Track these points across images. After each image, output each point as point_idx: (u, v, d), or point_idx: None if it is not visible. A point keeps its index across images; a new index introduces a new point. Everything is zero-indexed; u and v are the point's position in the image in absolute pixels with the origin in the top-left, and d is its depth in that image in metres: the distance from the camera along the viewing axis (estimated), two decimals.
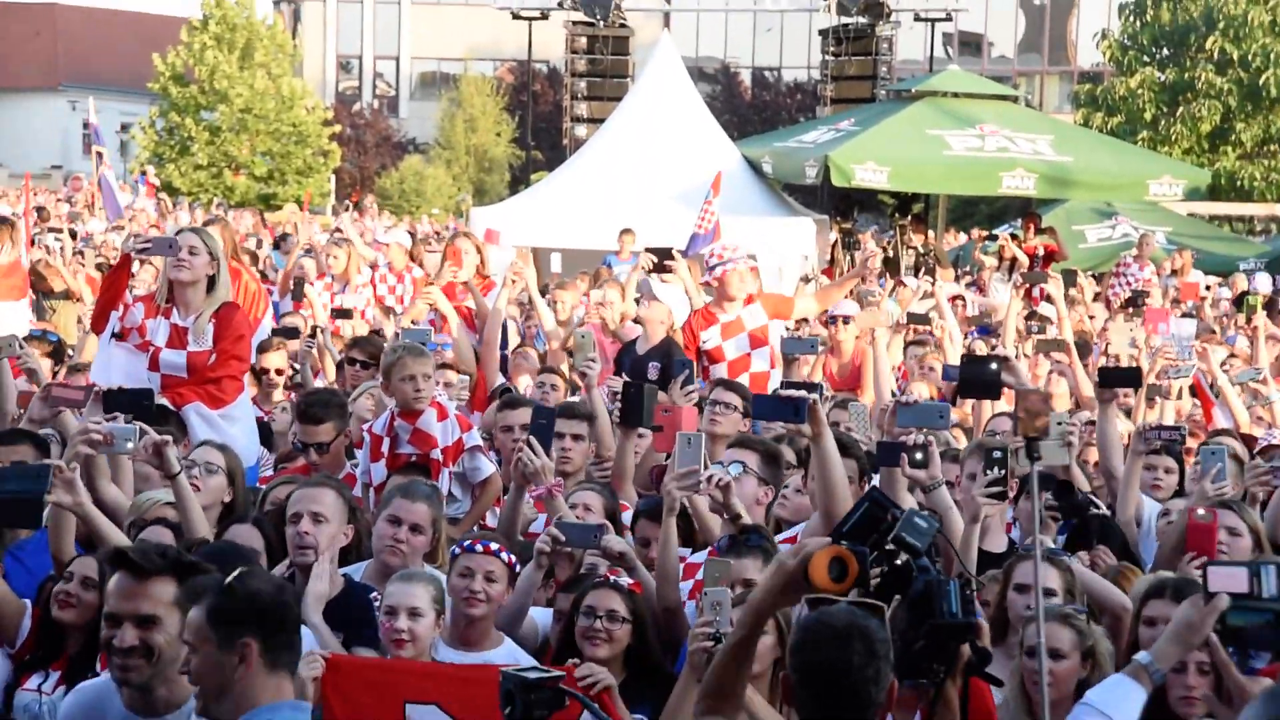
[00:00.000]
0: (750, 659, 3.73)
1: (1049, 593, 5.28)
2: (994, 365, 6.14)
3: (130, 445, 5.65)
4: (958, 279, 20.43)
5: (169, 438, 5.71)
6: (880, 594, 3.42)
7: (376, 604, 5.26)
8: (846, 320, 10.29)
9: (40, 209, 24.02)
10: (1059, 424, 6.34)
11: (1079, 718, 4.42)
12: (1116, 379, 7.32)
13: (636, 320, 10.25)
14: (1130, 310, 14.49)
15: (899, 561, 3.46)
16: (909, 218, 21.93)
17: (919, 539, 3.37)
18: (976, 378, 6.47)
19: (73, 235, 20.57)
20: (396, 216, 35.53)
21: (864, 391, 9.69)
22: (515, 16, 29.63)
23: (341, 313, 11.19)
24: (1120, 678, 4.42)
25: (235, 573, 3.75)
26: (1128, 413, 8.84)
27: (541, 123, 45.45)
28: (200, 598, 3.71)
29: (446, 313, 9.81)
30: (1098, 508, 6.44)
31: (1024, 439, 4.52)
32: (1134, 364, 9.35)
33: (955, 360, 9.99)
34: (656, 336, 9.71)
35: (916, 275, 18.70)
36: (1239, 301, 17.05)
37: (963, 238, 32.29)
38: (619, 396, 6.95)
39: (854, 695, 3.44)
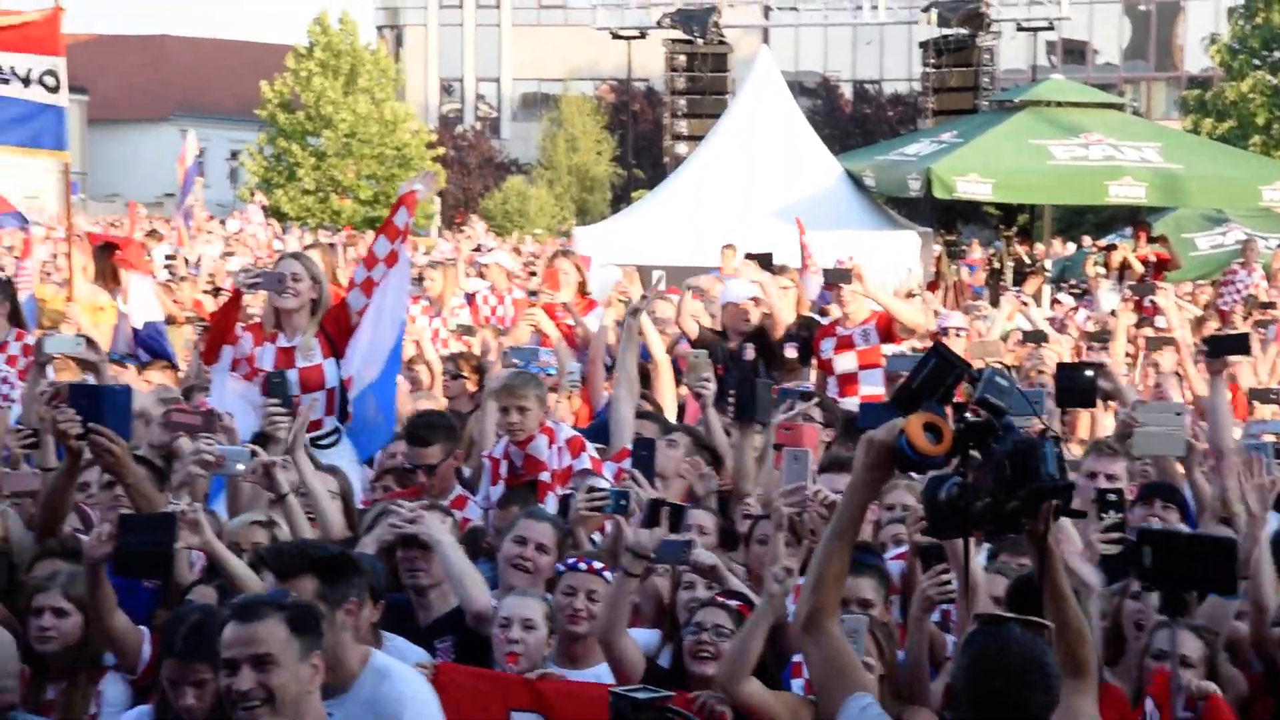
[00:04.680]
0: (852, 543, 3.73)
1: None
2: (1089, 372, 5.98)
3: (241, 466, 5.75)
4: (1060, 288, 20.16)
5: (278, 460, 5.79)
6: (955, 450, 3.41)
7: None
8: (958, 332, 10.20)
9: (153, 231, 24.53)
10: (1177, 414, 6.17)
11: None
12: (1226, 346, 7.05)
13: (721, 332, 10.30)
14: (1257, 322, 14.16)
15: (970, 417, 3.45)
16: (1014, 229, 21.69)
17: (1003, 399, 3.36)
18: (1072, 385, 6.33)
19: (185, 261, 20.91)
20: (500, 237, 35.79)
21: None
22: (614, 36, 29.77)
23: (466, 329, 11.35)
24: None
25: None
26: None
27: (642, 141, 45.61)
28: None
29: (550, 334, 9.87)
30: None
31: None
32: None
33: None
34: (746, 327, 9.94)
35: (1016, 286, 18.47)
36: None
37: (1070, 247, 31.88)
38: (731, 394, 6.98)
39: None
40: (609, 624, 5.20)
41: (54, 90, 10.45)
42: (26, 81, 10.33)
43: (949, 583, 4.96)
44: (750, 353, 9.72)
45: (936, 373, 3.41)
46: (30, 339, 8.59)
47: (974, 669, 3.50)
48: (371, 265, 7.68)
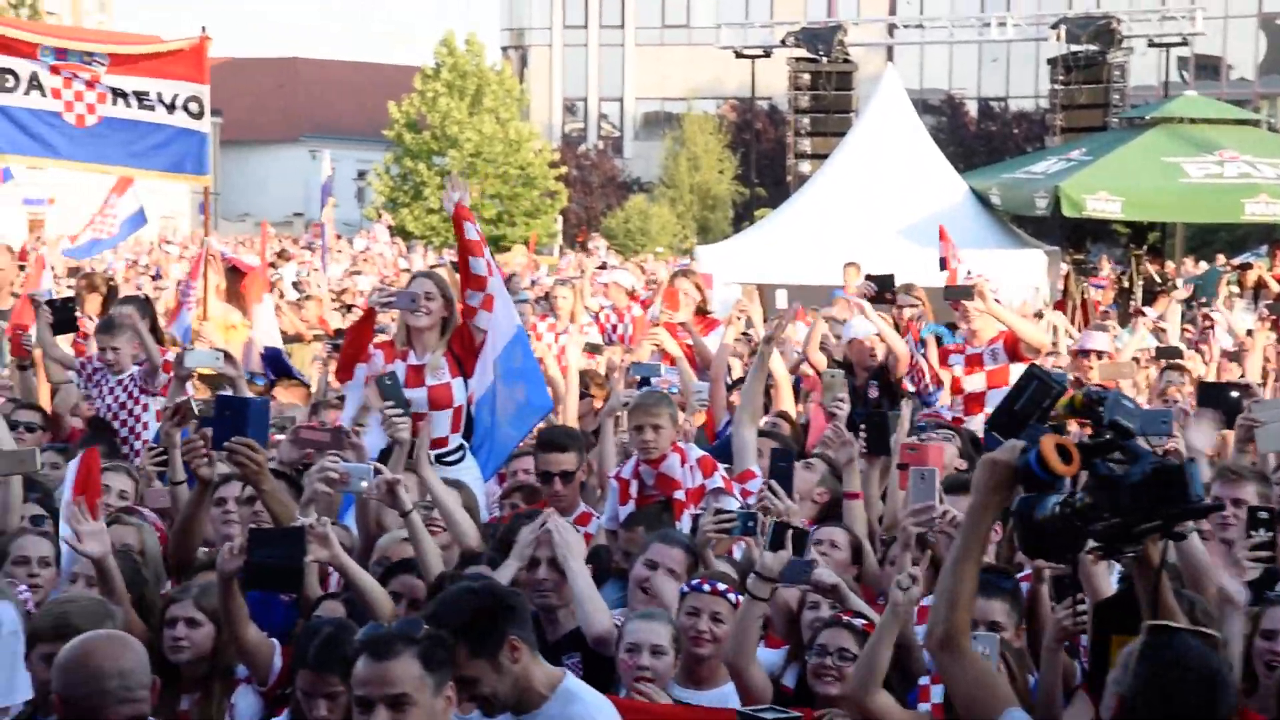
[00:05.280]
0: (979, 564, 3.69)
1: None
2: (1234, 392, 5.84)
3: (365, 484, 5.81)
4: (1190, 306, 19.74)
5: (400, 477, 5.84)
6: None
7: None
8: (1100, 355, 10.02)
9: (282, 252, 25.05)
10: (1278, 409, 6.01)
11: None
12: None
13: (844, 364, 10.24)
14: None
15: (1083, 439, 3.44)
16: (1144, 248, 21.31)
17: (1131, 420, 3.34)
18: (1214, 406, 6.18)
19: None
20: (623, 256, 35.94)
21: None
22: (738, 55, 29.81)
23: (594, 347, 11.41)
24: None
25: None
26: None
27: (764, 160, 45.53)
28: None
29: (672, 353, 9.86)
30: None
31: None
32: None
33: None
34: (871, 363, 9.87)
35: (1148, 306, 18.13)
36: None
37: (1202, 266, 31.25)
38: (862, 427, 6.93)
39: None
40: (737, 649, 5.17)
41: (197, 116, 10.77)
42: (171, 108, 10.65)
43: (1084, 613, 4.87)
44: (875, 390, 9.65)
45: (1036, 395, 3.40)
46: (170, 355, 8.77)
47: (1157, 679, 3.41)
48: (482, 285, 7.75)
